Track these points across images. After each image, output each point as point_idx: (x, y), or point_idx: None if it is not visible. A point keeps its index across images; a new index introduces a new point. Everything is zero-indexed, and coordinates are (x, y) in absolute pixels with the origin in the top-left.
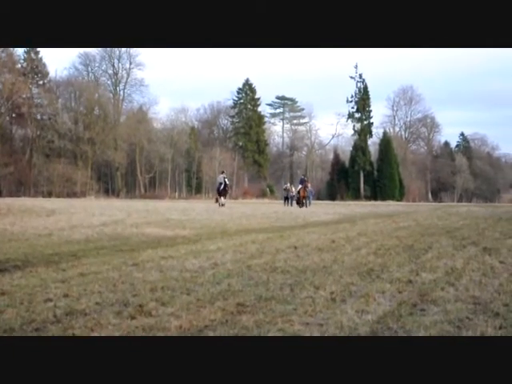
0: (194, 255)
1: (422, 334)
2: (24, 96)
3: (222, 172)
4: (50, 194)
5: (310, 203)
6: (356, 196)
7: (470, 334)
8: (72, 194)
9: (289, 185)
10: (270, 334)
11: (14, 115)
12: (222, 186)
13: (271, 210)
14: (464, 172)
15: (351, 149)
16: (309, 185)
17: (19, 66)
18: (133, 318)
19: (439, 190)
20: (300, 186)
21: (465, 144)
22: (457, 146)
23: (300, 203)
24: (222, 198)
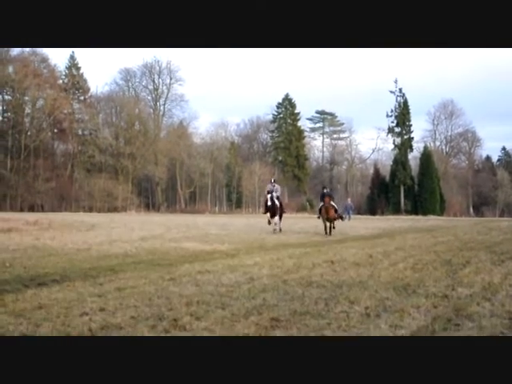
0: (231, 270)
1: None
2: (65, 111)
3: (271, 181)
4: (90, 209)
5: (350, 218)
6: (396, 210)
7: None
8: (113, 209)
9: None
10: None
11: (55, 130)
12: (270, 202)
13: (310, 224)
14: (506, 186)
15: (391, 163)
16: (349, 199)
17: (61, 81)
18: (167, 331)
19: (481, 205)
20: (321, 204)
21: (507, 158)
22: (498, 160)
23: (327, 230)
24: (276, 218)
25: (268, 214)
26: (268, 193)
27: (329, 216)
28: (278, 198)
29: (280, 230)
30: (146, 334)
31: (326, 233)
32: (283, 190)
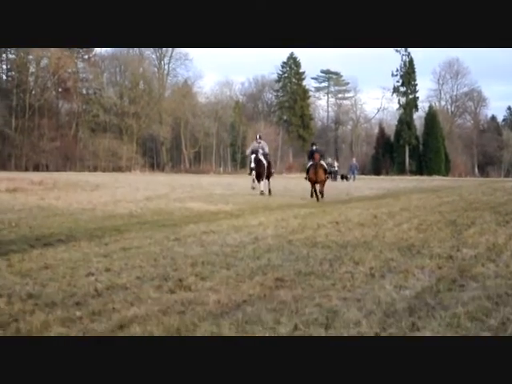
0: (236, 230)
1: (459, 309)
2: (70, 70)
3: (257, 138)
4: (95, 169)
5: (354, 178)
6: (401, 170)
7: (508, 310)
8: (117, 169)
9: (330, 160)
10: (306, 310)
11: (60, 90)
12: (254, 163)
13: None
14: (511, 146)
15: (396, 123)
16: (353, 159)
17: None
18: (172, 292)
19: (486, 165)
20: (310, 163)
21: None
22: (504, 120)
23: (315, 193)
24: (261, 181)
25: (253, 176)
26: (252, 153)
27: (318, 178)
28: (265, 156)
29: (269, 192)
30: (151, 295)
31: (311, 196)
32: (288, 149)
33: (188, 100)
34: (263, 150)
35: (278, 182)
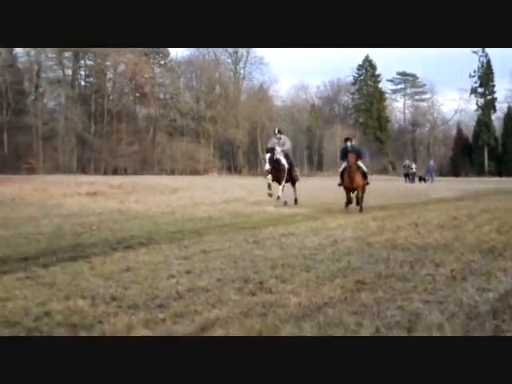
0: (314, 232)
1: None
2: (146, 76)
3: (275, 133)
4: (173, 172)
5: (432, 180)
6: (480, 172)
7: None
8: (195, 172)
9: (408, 161)
10: (388, 313)
11: (137, 95)
12: (270, 164)
13: (392, 186)
14: None
15: (475, 124)
16: (431, 161)
17: None
18: (253, 294)
19: None
20: (344, 165)
21: None
22: None
23: (347, 203)
24: (281, 183)
25: (269, 180)
26: (267, 151)
27: (354, 183)
28: (286, 156)
29: (296, 201)
30: (233, 297)
31: (346, 205)
32: (365, 152)
33: (264, 104)
34: (283, 146)
35: None
